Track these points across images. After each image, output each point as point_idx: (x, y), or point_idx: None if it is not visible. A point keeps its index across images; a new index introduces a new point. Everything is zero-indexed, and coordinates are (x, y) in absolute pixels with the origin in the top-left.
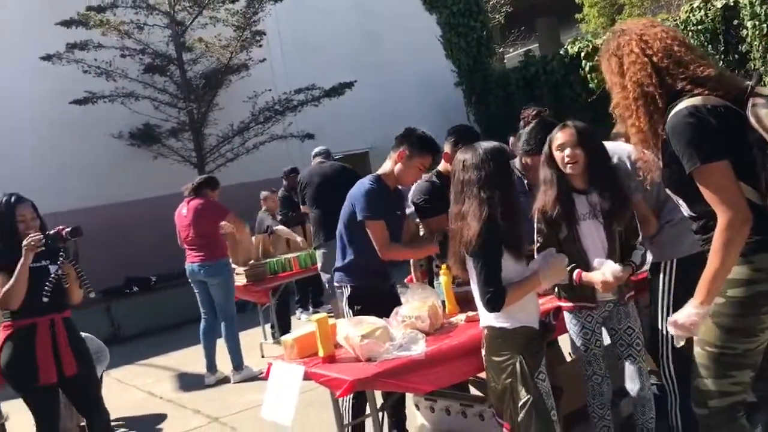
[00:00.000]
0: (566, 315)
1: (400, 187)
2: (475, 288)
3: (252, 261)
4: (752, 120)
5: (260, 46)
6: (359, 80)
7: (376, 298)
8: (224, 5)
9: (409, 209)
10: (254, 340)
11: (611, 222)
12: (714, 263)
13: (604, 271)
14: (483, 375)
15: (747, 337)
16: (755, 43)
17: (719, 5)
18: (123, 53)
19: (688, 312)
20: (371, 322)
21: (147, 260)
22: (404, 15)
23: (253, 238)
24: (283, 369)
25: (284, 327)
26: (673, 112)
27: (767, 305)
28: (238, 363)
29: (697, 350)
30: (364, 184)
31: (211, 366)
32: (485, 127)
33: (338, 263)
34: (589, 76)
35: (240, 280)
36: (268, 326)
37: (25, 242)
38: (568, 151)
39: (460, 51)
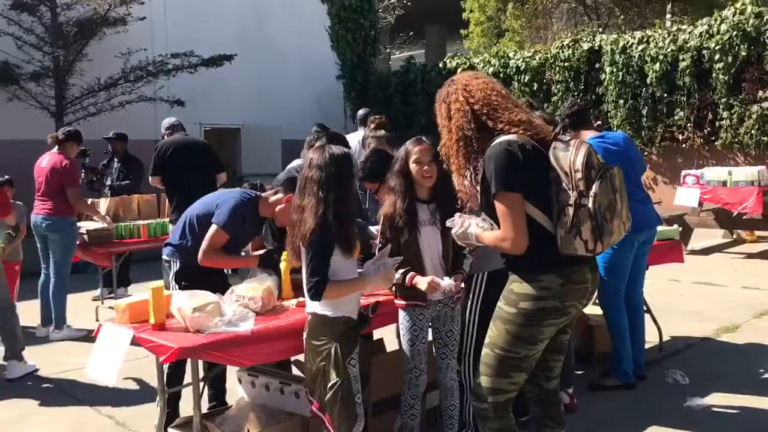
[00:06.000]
0: (400, 312)
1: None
2: (304, 276)
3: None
4: (552, 160)
5: (142, 3)
6: (240, 56)
7: (204, 275)
8: None
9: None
10: (92, 302)
11: (448, 229)
12: (483, 239)
13: (438, 280)
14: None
15: (529, 345)
16: (610, 87)
17: (585, 47)
18: None
19: (468, 231)
20: (205, 296)
21: None
22: None
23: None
24: (113, 331)
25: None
26: (492, 144)
27: (549, 319)
28: (59, 321)
29: (486, 351)
30: (236, 196)
31: (46, 320)
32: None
33: (173, 240)
34: None
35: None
36: (106, 290)
37: None
38: (426, 167)
39: (346, 45)
